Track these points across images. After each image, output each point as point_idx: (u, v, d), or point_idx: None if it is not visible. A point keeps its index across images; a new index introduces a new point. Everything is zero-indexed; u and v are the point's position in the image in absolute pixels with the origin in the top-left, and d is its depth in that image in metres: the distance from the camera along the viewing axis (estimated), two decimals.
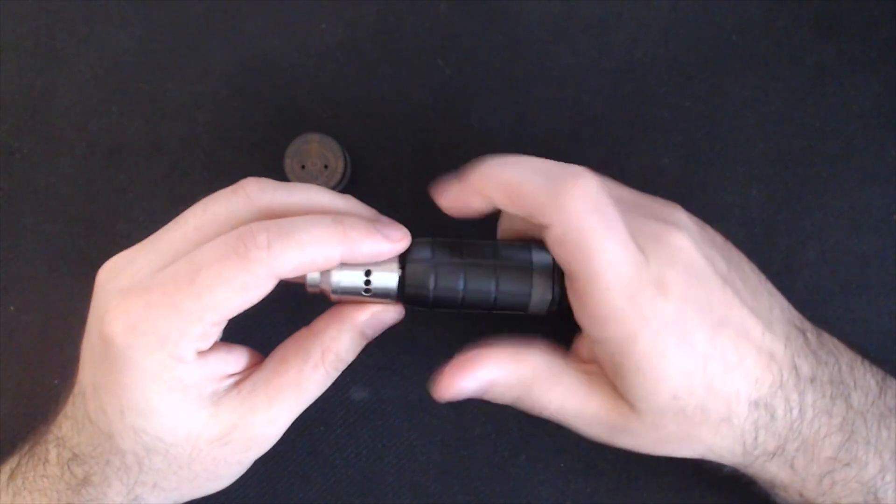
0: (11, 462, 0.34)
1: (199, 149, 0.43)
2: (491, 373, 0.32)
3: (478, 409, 0.41)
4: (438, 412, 0.41)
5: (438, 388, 0.33)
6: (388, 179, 0.42)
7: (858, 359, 0.33)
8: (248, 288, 0.29)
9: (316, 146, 0.40)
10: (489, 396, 0.33)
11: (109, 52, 0.43)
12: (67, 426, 0.32)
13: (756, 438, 0.31)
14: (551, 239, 0.30)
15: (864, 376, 0.33)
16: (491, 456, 0.40)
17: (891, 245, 0.41)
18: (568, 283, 0.31)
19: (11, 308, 0.42)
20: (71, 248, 0.42)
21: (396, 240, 0.31)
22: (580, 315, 0.31)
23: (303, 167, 0.40)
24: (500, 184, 0.31)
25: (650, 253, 0.30)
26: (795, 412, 0.31)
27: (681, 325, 0.30)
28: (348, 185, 0.42)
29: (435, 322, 0.41)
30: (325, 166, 0.40)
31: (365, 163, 0.42)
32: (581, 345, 0.34)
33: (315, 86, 0.43)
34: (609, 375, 0.32)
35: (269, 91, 0.43)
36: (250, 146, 0.43)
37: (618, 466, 0.40)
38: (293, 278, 0.33)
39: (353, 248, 0.30)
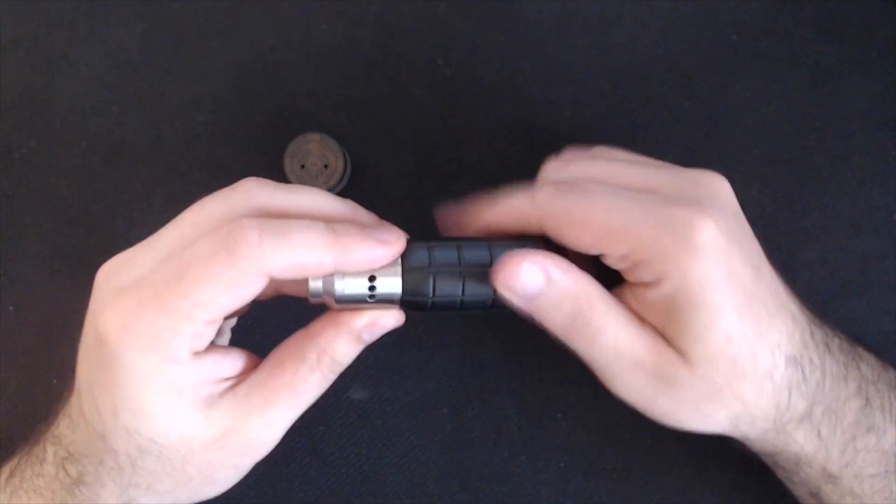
0: (12, 462, 0.34)
1: (199, 149, 0.43)
2: (556, 265, 0.30)
3: (478, 409, 0.41)
4: (438, 412, 0.41)
5: (500, 274, 0.30)
6: (388, 179, 0.42)
7: (853, 341, 0.34)
8: (237, 285, 0.28)
9: (316, 146, 0.40)
10: (544, 303, 0.31)
11: (109, 52, 0.43)
12: (64, 424, 0.32)
13: (789, 398, 0.31)
14: (557, 238, 0.31)
15: (866, 353, 0.34)
16: (491, 456, 0.40)
17: (891, 245, 0.41)
18: (606, 262, 0.31)
19: (11, 308, 0.42)
20: (71, 248, 0.42)
21: (391, 243, 0.31)
22: (627, 273, 0.31)
23: (303, 167, 0.40)
24: (493, 217, 0.33)
25: (686, 192, 0.30)
26: (818, 374, 0.31)
27: (729, 258, 0.29)
28: (348, 185, 0.42)
29: (435, 322, 0.41)
30: (325, 166, 0.40)
31: (365, 163, 0.42)
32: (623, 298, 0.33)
33: (315, 86, 0.43)
34: (660, 326, 0.31)
35: (269, 91, 0.43)
36: (250, 146, 0.43)
37: (618, 466, 0.40)
38: (293, 291, 0.33)
39: (347, 256, 0.30)
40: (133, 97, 0.43)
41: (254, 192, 0.31)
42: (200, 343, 0.30)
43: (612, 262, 0.31)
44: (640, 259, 0.30)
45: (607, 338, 0.31)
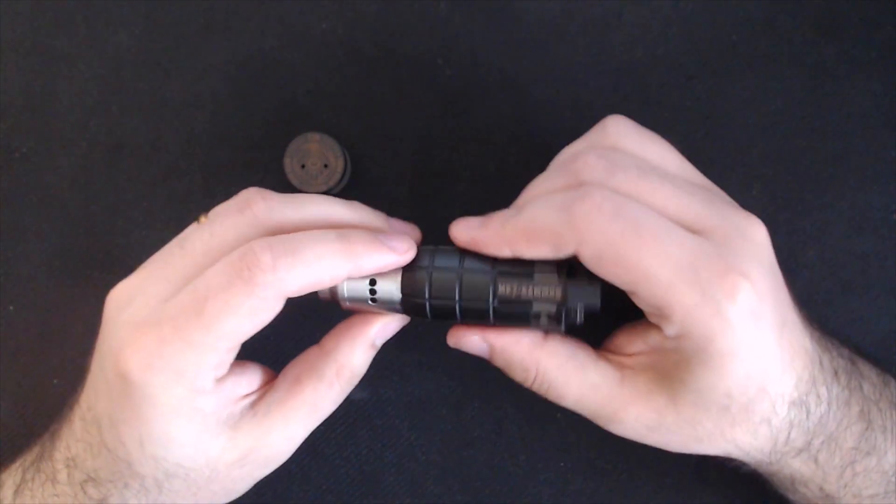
0: (15, 475, 0.34)
1: (198, 148, 0.43)
2: (500, 340, 0.32)
3: (478, 409, 0.41)
4: (438, 412, 0.41)
5: (451, 336, 0.33)
6: (388, 179, 0.42)
7: (856, 354, 0.34)
8: (257, 312, 0.29)
9: (316, 146, 0.40)
10: (498, 364, 0.33)
11: (109, 52, 0.43)
12: (80, 449, 0.32)
13: (788, 436, 0.31)
14: (591, 265, 0.29)
15: (867, 368, 0.33)
16: (491, 456, 0.40)
17: (891, 245, 0.41)
18: (633, 299, 0.30)
19: (11, 308, 0.42)
20: (71, 248, 0.42)
21: (402, 252, 0.31)
22: (655, 319, 0.30)
23: (303, 167, 0.40)
24: (517, 233, 0.30)
25: (733, 245, 0.29)
26: (824, 406, 0.31)
27: (759, 323, 0.29)
28: (348, 185, 0.42)
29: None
30: (325, 166, 0.40)
31: (365, 163, 0.42)
32: (625, 338, 0.33)
33: (315, 86, 0.43)
34: (662, 366, 0.31)
35: (269, 90, 0.43)
36: (250, 146, 0.42)
37: (618, 466, 0.40)
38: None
39: (359, 264, 0.30)
40: (133, 97, 0.43)
41: (262, 212, 0.31)
42: (222, 370, 0.30)
43: (639, 303, 0.30)
44: (671, 315, 0.29)
45: (571, 402, 0.32)
